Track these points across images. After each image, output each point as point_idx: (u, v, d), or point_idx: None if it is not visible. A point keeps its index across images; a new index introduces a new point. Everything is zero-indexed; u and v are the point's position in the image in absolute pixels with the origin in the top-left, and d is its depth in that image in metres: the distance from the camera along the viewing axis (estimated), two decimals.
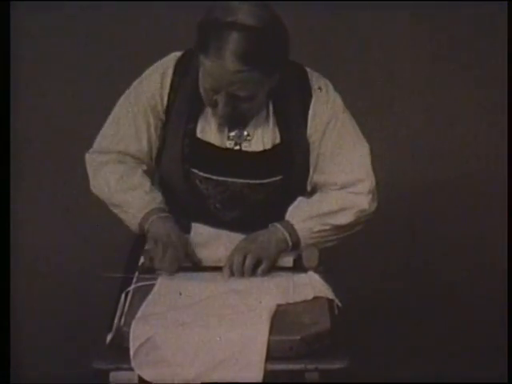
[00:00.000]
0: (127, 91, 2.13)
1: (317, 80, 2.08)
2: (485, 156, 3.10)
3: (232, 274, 1.95)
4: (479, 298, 3.10)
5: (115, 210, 2.13)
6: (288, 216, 2.07)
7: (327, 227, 2.05)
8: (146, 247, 2.03)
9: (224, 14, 1.86)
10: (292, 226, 2.05)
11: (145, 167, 2.13)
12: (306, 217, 2.05)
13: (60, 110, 3.06)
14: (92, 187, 2.14)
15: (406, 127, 3.08)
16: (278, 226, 2.05)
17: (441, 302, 3.14)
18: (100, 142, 2.14)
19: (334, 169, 2.07)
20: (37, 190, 3.09)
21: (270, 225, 2.06)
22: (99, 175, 2.12)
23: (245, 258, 1.96)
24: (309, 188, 2.13)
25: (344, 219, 2.05)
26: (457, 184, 3.11)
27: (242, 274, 1.95)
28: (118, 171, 2.10)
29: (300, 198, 2.09)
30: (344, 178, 2.06)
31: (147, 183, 2.10)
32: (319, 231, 2.05)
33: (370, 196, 2.06)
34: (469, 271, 3.12)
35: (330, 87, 2.10)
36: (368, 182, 2.07)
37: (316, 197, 2.10)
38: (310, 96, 2.06)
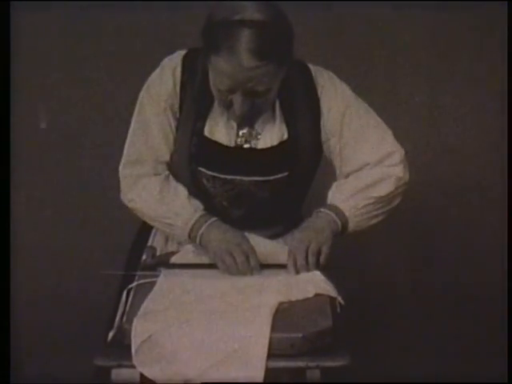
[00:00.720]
0: (141, 95, 2.11)
1: (320, 74, 2.10)
2: (485, 156, 3.10)
3: (297, 271, 1.94)
4: (479, 298, 3.10)
5: (157, 224, 2.11)
6: (329, 200, 2.08)
7: (371, 201, 2.06)
8: (211, 258, 2.00)
9: (231, 13, 1.87)
10: (336, 206, 2.05)
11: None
12: (348, 195, 2.06)
13: (60, 110, 3.06)
14: (127, 201, 2.11)
15: (405, 127, 3.07)
16: (323, 209, 2.05)
17: (441, 302, 3.14)
18: (131, 152, 2.11)
19: (362, 154, 2.08)
20: (37, 190, 3.09)
21: (314, 212, 2.06)
22: (138, 188, 2.09)
23: (307, 250, 1.95)
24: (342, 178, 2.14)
25: (385, 189, 2.06)
26: (457, 184, 3.11)
27: (308, 270, 1.94)
28: (156, 183, 2.08)
29: (335, 183, 2.11)
30: (375, 157, 2.08)
31: (184, 191, 2.08)
32: (364, 206, 2.05)
33: (402, 165, 2.09)
34: (469, 271, 3.12)
35: (335, 78, 2.11)
36: (398, 153, 2.09)
37: (352, 177, 2.10)
38: (315, 91, 2.08)
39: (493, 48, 2.98)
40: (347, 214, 2.04)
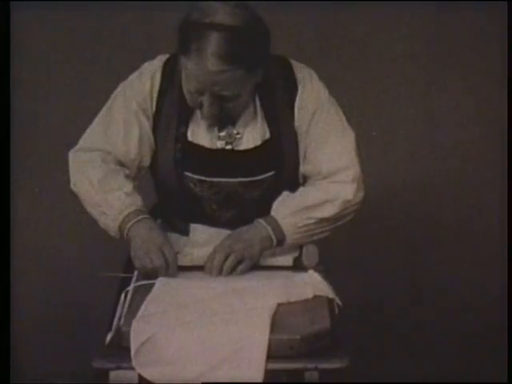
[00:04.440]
0: (116, 92, 2.12)
1: (300, 70, 2.09)
2: (485, 156, 3.10)
3: (211, 272, 1.96)
4: (479, 298, 3.10)
5: (93, 211, 2.08)
6: (273, 211, 2.07)
7: (312, 221, 2.04)
8: (131, 254, 1.99)
9: (203, 15, 1.86)
10: (276, 221, 2.04)
11: (127, 171, 2.10)
12: (290, 212, 2.04)
13: (60, 110, 3.06)
14: (72, 185, 2.11)
15: (405, 127, 3.08)
16: (263, 222, 2.05)
17: (441, 302, 3.14)
18: (86, 139, 2.12)
19: (319, 158, 2.07)
20: (37, 190, 3.08)
21: (255, 220, 2.05)
22: (81, 173, 2.08)
23: (227, 257, 1.96)
24: (301, 180, 2.13)
25: (328, 211, 2.04)
26: (456, 184, 3.11)
27: (220, 273, 1.95)
28: (101, 171, 2.06)
29: (285, 193, 2.09)
30: (328, 167, 2.06)
31: (129, 185, 2.06)
32: (304, 225, 2.04)
33: (355, 185, 2.06)
34: (469, 271, 3.12)
35: (315, 77, 2.10)
36: (352, 170, 2.06)
37: (300, 190, 2.09)
38: (296, 88, 2.07)
39: (493, 48, 2.97)
40: (285, 230, 2.04)
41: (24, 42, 2.95)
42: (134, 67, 2.16)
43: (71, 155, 2.12)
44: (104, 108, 2.13)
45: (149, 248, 1.95)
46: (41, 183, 3.10)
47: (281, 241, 2.05)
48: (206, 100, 1.93)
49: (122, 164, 2.10)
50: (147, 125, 2.08)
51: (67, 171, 3.06)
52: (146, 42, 2.96)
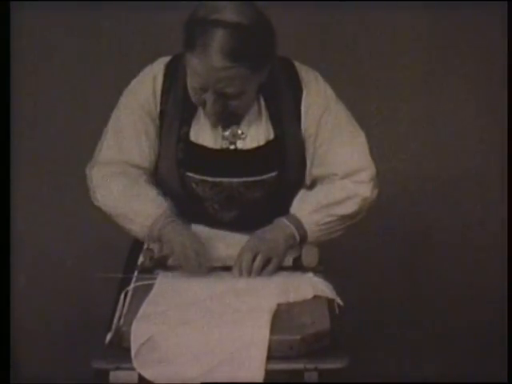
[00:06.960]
0: (120, 100, 2.12)
1: (305, 72, 2.09)
2: (485, 155, 3.10)
3: (240, 273, 1.95)
4: (479, 298, 3.11)
5: (120, 221, 2.09)
6: (293, 209, 2.07)
7: (333, 218, 2.05)
8: (160, 252, 2.01)
9: (209, 12, 1.87)
10: (298, 219, 2.05)
11: (145, 177, 2.10)
12: (311, 209, 2.05)
13: (60, 110, 3.06)
14: (94, 200, 2.11)
15: (405, 128, 3.08)
16: (285, 221, 2.05)
17: (441, 302, 3.14)
18: (101, 153, 2.10)
19: (333, 160, 2.07)
20: (37, 190, 3.09)
21: (275, 220, 2.05)
22: (102, 187, 2.08)
23: (255, 257, 1.95)
24: (308, 182, 2.13)
25: (349, 208, 2.05)
26: (457, 183, 3.12)
27: (250, 274, 1.94)
28: (121, 182, 2.07)
29: (303, 191, 2.10)
30: (345, 169, 2.06)
31: (152, 190, 2.07)
32: (326, 223, 2.05)
33: (372, 183, 2.07)
34: (468, 271, 3.12)
35: (320, 78, 2.10)
36: (369, 171, 2.07)
37: (319, 188, 2.09)
38: (301, 89, 2.07)
39: (493, 48, 2.98)
40: (307, 228, 2.04)
41: (24, 42, 2.95)
42: (133, 67, 2.16)
43: (89, 171, 2.11)
44: (112, 118, 2.12)
45: (183, 248, 1.96)
46: (41, 184, 3.10)
47: (303, 237, 2.05)
48: (209, 97, 1.93)
49: (140, 170, 2.09)
50: (152, 128, 2.08)
51: (66, 171, 3.09)
52: (147, 41, 2.97)
